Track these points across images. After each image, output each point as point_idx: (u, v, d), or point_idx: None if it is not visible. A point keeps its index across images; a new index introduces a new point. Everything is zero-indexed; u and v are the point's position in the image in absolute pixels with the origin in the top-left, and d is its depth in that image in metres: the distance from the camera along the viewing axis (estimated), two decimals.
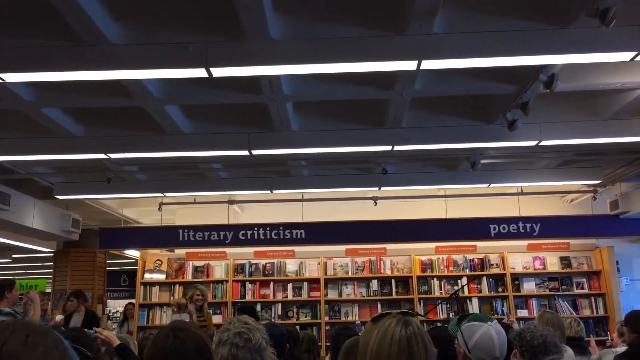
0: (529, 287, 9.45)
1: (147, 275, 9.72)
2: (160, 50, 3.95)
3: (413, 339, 1.59)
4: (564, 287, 9.40)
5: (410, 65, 4.02)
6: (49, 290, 13.08)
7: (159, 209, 9.08)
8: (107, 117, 5.93)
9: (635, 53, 3.80)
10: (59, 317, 7.30)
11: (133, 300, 9.94)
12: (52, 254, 11.53)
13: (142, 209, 10.87)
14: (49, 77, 4.17)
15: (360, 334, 2.47)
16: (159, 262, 9.77)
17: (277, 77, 4.66)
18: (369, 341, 1.59)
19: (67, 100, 5.21)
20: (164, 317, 9.48)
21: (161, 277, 9.70)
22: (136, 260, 10.42)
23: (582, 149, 6.89)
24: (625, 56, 3.88)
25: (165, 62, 3.98)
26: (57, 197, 8.05)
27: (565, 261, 9.52)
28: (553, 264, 9.49)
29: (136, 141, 6.17)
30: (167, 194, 8.38)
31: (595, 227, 9.14)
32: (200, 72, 4.03)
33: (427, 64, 4.02)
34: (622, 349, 4.50)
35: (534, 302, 9.34)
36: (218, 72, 4.05)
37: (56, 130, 5.83)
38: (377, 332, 1.59)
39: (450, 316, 9.15)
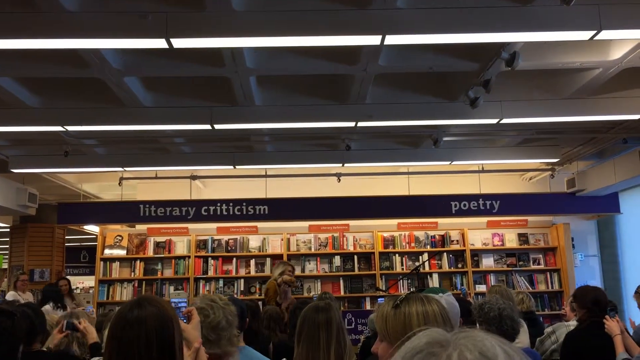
0: (487, 262, 9.66)
1: (107, 251, 9.58)
2: (118, 18, 3.83)
3: (443, 307, 1.72)
4: (521, 262, 9.64)
5: (374, 39, 3.99)
6: (5, 266, 12.77)
7: (119, 183, 8.91)
8: (64, 88, 5.75)
9: (594, 32, 3.86)
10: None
11: (68, 277, 9.81)
12: (8, 229, 11.25)
13: (102, 183, 10.66)
14: (1, 45, 4.00)
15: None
16: (120, 238, 9.63)
17: (239, 50, 4.58)
18: (411, 324, 1.63)
19: (22, 70, 5.02)
20: (124, 293, 9.39)
21: (122, 252, 9.57)
22: (96, 235, 10.25)
23: (542, 128, 7.02)
24: (584, 35, 3.93)
25: (123, 32, 3.86)
26: (12, 170, 7.82)
27: (523, 238, 9.75)
28: (511, 240, 9.72)
29: (94, 114, 6.00)
30: (127, 169, 8.23)
31: (552, 205, 9.36)
32: (160, 43, 3.92)
33: (391, 39, 4.00)
34: (574, 322, 4.64)
35: (492, 278, 9.57)
36: (179, 43, 3.95)
37: (10, 101, 5.63)
38: (416, 314, 1.65)
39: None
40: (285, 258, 9.43)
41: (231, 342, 2.56)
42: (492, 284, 9.41)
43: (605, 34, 3.90)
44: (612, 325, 3.75)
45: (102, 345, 3.59)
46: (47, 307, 6.99)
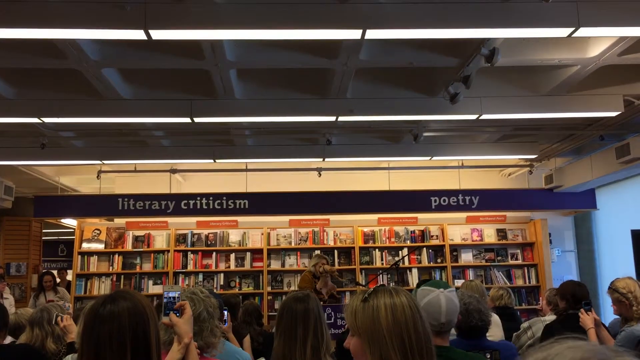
0: (466, 257, 9.74)
1: (85, 245, 9.48)
2: (95, 8, 3.77)
3: (411, 299, 1.71)
4: (499, 258, 9.74)
5: (354, 34, 3.99)
6: None
7: (98, 177, 8.82)
8: (41, 79, 5.66)
9: (572, 29, 3.89)
10: None
11: (53, 271, 9.71)
12: None
13: (80, 176, 10.53)
14: None
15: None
16: (98, 232, 9.53)
17: (220, 42, 4.55)
18: (379, 317, 1.63)
19: None
20: (102, 287, 9.31)
21: (100, 246, 9.47)
22: (74, 229, 10.13)
23: (520, 124, 7.08)
24: (563, 32, 3.96)
25: (100, 22, 3.80)
26: None
27: (501, 233, 9.84)
28: (490, 235, 9.80)
29: (72, 105, 5.91)
30: (105, 162, 8.14)
31: (530, 201, 9.46)
32: (138, 34, 3.87)
33: (372, 34, 3.99)
34: (550, 317, 4.71)
35: (470, 273, 9.65)
36: (157, 34, 3.90)
37: None
38: (384, 307, 1.64)
39: (391, 286, 9.34)
40: (265, 253, 9.42)
41: (213, 333, 2.58)
42: (471, 278, 9.49)
43: (583, 31, 3.94)
44: (585, 319, 3.81)
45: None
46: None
